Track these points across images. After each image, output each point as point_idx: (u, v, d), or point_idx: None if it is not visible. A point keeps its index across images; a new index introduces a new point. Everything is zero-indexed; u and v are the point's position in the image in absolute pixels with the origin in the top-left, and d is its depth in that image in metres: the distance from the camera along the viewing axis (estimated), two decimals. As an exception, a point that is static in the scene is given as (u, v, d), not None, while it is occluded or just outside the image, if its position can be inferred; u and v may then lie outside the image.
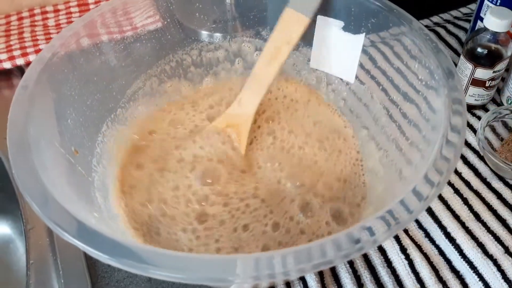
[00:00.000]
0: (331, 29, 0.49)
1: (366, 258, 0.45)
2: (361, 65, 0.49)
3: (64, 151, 0.41)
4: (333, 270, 0.45)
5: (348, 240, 0.29)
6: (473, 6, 0.75)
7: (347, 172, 0.47)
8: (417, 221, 0.48)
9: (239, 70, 0.57)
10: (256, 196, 0.44)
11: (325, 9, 0.49)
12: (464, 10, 0.75)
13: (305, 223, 0.43)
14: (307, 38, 0.52)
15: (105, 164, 0.46)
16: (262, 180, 0.46)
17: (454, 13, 0.74)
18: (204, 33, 0.55)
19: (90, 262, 0.46)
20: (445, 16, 0.74)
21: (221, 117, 0.49)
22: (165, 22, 0.51)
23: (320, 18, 0.50)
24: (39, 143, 0.37)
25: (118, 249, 0.29)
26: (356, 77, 0.51)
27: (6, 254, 0.64)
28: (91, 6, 0.76)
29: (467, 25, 0.69)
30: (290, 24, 0.46)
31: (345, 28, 0.48)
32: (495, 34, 0.52)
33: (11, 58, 0.65)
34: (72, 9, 0.76)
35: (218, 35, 0.55)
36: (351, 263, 0.45)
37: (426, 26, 0.71)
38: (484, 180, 0.51)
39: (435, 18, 0.73)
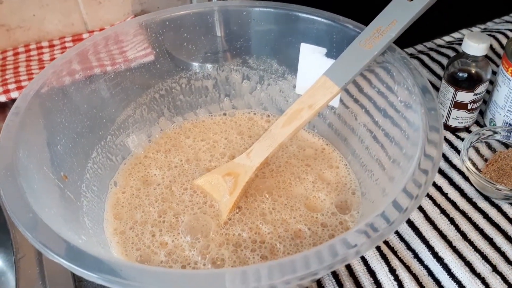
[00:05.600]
0: (314, 56, 0.51)
1: (355, 280, 0.45)
2: (345, 89, 0.51)
3: (54, 176, 0.41)
4: (322, 292, 0.45)
5: (330, 252, 0.30)
6: (456, 35, 0.77)
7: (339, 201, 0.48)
8: (406, 242, 0.48)
9: (226, 104, 0.59)
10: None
11: (308, 37, 0.51)
12: (447, 38, 0.77)
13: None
14: (293, 65, 0.54)
15: (94, 190, 0.47)
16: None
17: (437, 41, 0.76)
18: (193, 63, 0.57)
19: (80, 290, 0.46)
20: (429, 44, 0.76)
21: (226, 164, 0.50)
22: (155, 52, 0.53)
23: (303, 45, 0.52)
24: (29, 167, 0.38)
25: (104, 267, 0.30)
26: (341, 100, 0.53)
27: (-4, 288, 0.64)
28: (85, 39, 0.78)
29: (449, 52, 0.71)
30: (319, 90, 0.46)
31: (327, 54, 0.50)
32: (474, 58, 0.54)
33: (6, 91, 0.67)
34: (67, 44, 0.78)
35: (206, 64, 0.57)
36: (340, 285, 0.45)
37: (411, 54, 0.73)
38: (470, 200, 0.52)
39: (419, 47, 0.75)
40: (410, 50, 0.75)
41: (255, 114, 0.59)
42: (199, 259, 0.43)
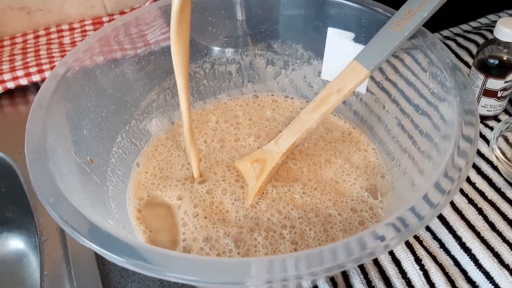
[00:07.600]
0: (342, 41, 0.50)
1: (380, 269, 0.45)
2: (371, 77, 0.50)
3: (80, 160, 0.41)
4: (347, 282, 0.44)
5: (359, 244, 0.29)
6: (483, 20, 0.75)
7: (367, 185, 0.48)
8: (432, 232, 0.48)
9: (249, 89, 0.58)
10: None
11: (336, 21, 0.50)
12: (473, 24, 0.75)
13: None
14: (319, 50, 0.53)
15: (119, 174, 0.47)
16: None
17: (464, 27, 0.75)
18: (216, 48, 0.56)
19: (104, 273, 0.46)
20: (455, 30, 0.74)
21: (256, 151, 0.50)
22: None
23: (331, 30, 0.50)
24: (56, 151, 0.38)
25: (132, 251, 0.29)
26: (367, 88, 0.52)
27: (19, 269, 0.64)
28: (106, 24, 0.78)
29: (477, 38, 0.69)
30: (348, 75, 0.45)
31: (356, 39, 0.49)
32: (506, 44, 0.52)
33: (28, 74, 0.67)
34: (87, 28, 0.77)
35: (230, 49, 0.56)
36: (365, 274, 0.44)
37: (436, 40, 0.72)
38: (498, 190, 0.51)
39: (445, 32, 0.74)
40: (436, 35, 0.73)
41: (278, 96, 0.58)
42: (233, 247, 0.43)
